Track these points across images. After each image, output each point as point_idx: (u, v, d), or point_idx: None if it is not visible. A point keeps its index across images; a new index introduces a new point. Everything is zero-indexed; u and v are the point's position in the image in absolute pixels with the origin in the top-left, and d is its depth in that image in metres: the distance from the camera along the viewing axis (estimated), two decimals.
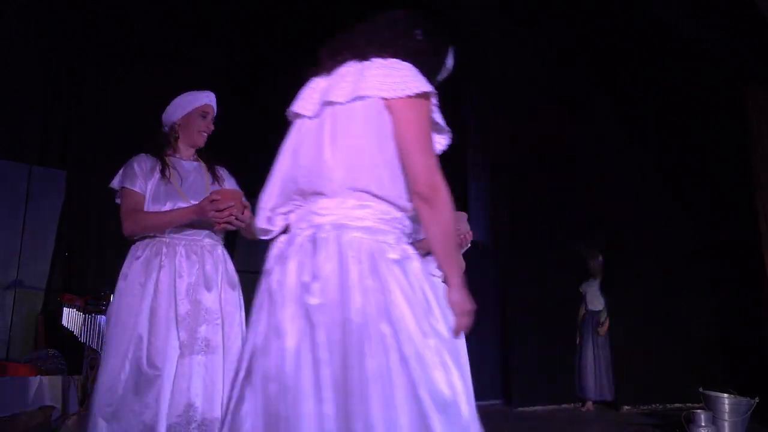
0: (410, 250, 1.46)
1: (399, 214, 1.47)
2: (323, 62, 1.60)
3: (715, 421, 4.09)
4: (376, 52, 1.54)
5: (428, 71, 1.58)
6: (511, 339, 6.37)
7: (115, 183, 2.35)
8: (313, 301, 1.35)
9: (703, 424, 3.99)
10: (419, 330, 1.32)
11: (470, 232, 3.28)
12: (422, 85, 1.47)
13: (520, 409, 6.05)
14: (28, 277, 3.92)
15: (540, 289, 6.36)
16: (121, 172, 2.35)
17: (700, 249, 6.13)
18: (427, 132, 1.48)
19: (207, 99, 2.50)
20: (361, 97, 1.47)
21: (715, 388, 4.50)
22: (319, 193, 1.46)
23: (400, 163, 1.45)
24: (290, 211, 1.52)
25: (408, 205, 1.47)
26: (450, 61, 1.74)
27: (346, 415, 1.26)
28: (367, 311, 1.31)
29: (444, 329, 1.38)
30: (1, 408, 2.80)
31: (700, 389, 4.33)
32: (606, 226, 6.44)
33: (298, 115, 1.58)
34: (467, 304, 1.46)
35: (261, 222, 1.57)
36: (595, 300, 6.34)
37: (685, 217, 6.22)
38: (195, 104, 2.46)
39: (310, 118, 1.54)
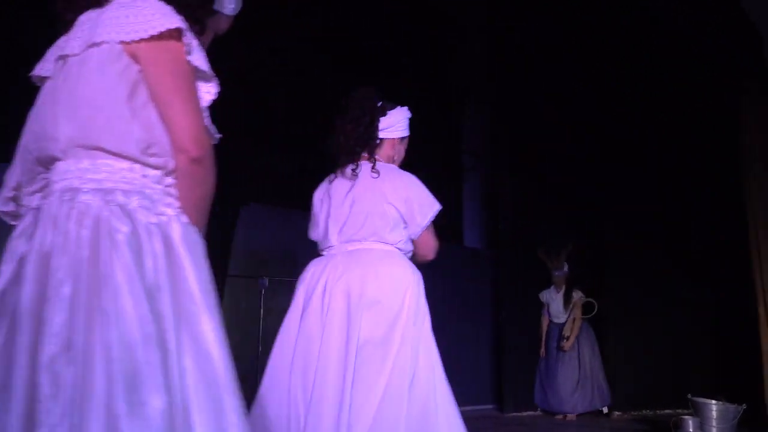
0: (170, 211, 1.26)
1: (153, 173, 1.27)
2: (62, 17, 1.38)
3: (702, 427, 4.15)
4: None
5: (197, 7, 1.40)
6: (504, 346, 6.43)
7: None
8: (26, 285, 1.15)
9: (690, 430, 4.06)
10: (135, 314, 1.11)
11: None
12: (168, 21, 1.26)
13: (513, 414, 6.12)
14: None
15: (534, 297, 6.45)
16: None
17: (692, 257, 6.20)
18: (184, 78, 1.29)
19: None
20: (96, 44, 1.26)
21: (705, 394, 4.57)
22: (53, 158, 1.26)
23: (160, 116, 1.27)
24: (44, 187, 1.29)
25: (162, 161, 1.28)
26: None
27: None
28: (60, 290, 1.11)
29: (170, 309, 1.16)
30: None
31: (689, 396, 4.40)
32: (599, 232, 6.52)
33: (41, 79, 1.37)
34: None
35: (0, 204, 1.38)
36: (559, 313, 6.15)
37: (676, 227, 6.29)
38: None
39: (52, 79, 1.33)
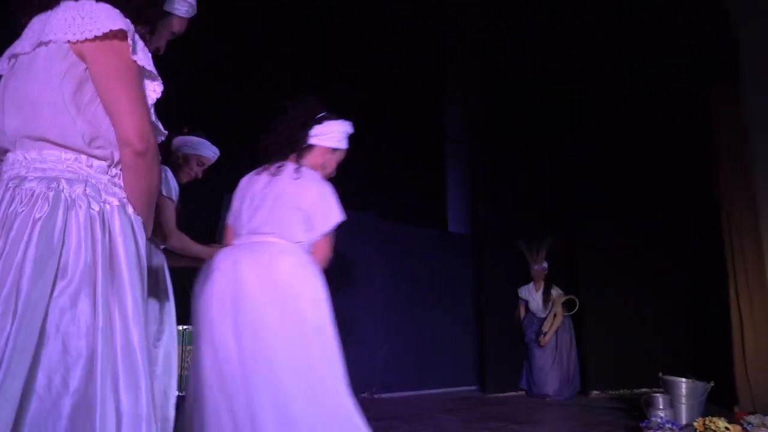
0: (114, 200, 1.35)
1: (99, 163, 1.36)
2: (17, 18, 1.46)
3: (672, 404, 4.29)
4: None
5: (144, 7, 1.47)
6: (485, 329, 6.56)
7: None
8: None
9: (661, 407, 4.19)
10: (38, 291, 1.19)
11: None
12: (112, 23, 1.33)
13: (495, 395, 6.27)
14: None
15: (515, 281, 6.56)
16: None
17: (670, 242, 6.35)
18: (129, 76, 1.36)
19: (212, 154, 2.69)
20: (44, 43, 1.35)
21: (682, 373, 4.71)
22: (4, 149, 1.38)
23: (106, 112, 1.35)
24: None
25: (107, 153, 1.37)
26: None
27: None
28: None
29: (72, 289, 1.23)
30: None
31: (660, 374, 4.54)
32: (580, 217, 6.65)
33: None
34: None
35: None
36: (539, 310, 6.25)
37: (655, 212, 6.43)
38: (201, 151, 2.63)
39: (3, 76, 1.43)
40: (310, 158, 2.41)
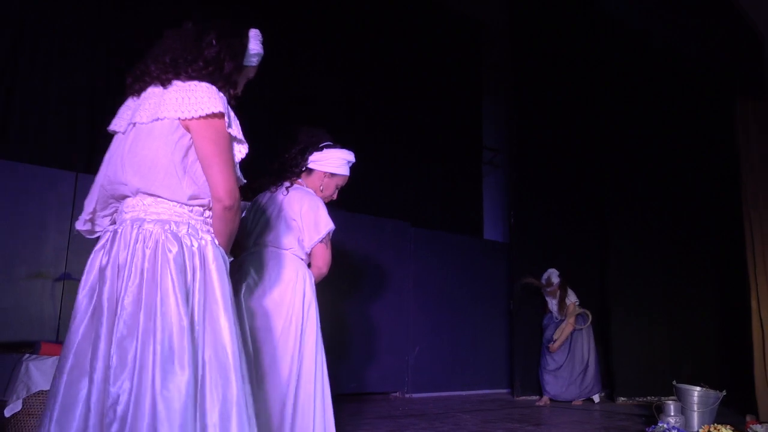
0: (207, 237, 1.73)
1: (197, 209, 1.74)
2: (131, 86, 1.83)
3: (683, 411, 4.42)
4: (174, 74, 1.75)
5: (231, 70, 1.83)
6: (516, 335, 6.77)
7: None
8: (106, 287, 1.63)
9: (672, 413, 4.33)
10: (177, 312, 1.58)
11: None
12: (214, 106, 1.68)
13: (523, 398, 6.48)
14: (75, 270, 4.49)
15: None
16: None
17: (695, 255, 6.43)
18: (223, 147, 1.71)
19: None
20: (160, 119, 1.70)
21: (708, 382, 4.84)
22: (124, 195, 1.75)
23: (204, 173, 1.71)
24: (114, 213, 1.82)
25: (204, 202, 1.74)
26: (255, 46, 1.96)
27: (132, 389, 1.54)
28: (138, 293, 1.59)
29: (200, 308, 1.63)
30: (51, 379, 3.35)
31: (674, 382, 4.67)
32: (613, 227, 6.76)
33: (115, 132, 1.83)
34: None
35: (78, 224, 1.89)
36: (556, 313, 6.32)
37: (685, 221, 6.50)
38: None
39: (122, 134, 1.79)
40: (309, 180, 2.76)
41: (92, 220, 1.87)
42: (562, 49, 7.14)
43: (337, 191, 2.83)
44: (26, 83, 4.86)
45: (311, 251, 2.64)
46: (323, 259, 2.65)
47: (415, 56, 7.43)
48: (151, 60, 1.79)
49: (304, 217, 2.60)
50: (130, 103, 1.82)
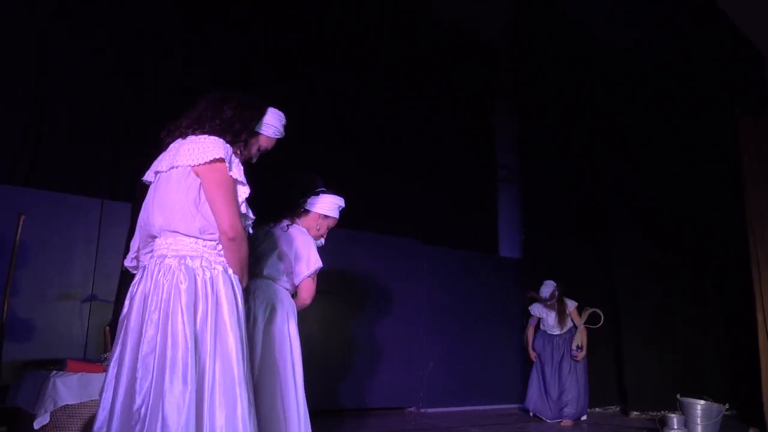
0: (219, 267, 2.05)
1: (209, 243, 2.05)
2: (163, 140, 2.20)
3: (687, 424, 4.50)
4: (193, 129, 2.12)
5: (240, 129, 2.18)
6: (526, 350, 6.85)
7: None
8: (133, 313, 2.00)
9: (675, 427, 4.42)
10: (184, 335, 1.90)
11: None
12: (216, 153, 2.02)
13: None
14: (101, 292, 4.76)
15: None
16: None
17: (704, 271, 6.48)
18: (226, 187, 2.03)
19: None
20: (176, 167, 2.05)
21: (718, 397, 4.91)
22: (153, 236, 2.10)
23: (211, 211, 2.03)
24: (151, 251, 2.13)
25: (215, 236, 2.05)
26: (273, 121, 2.31)
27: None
28: (156, 318, 1.93)
29: (210, 331, 1.95)
30: (77, 396, 3.57)
31: (678, 396, 4.76)
32: (623, 241, 6.86)
33: (149, 182, 2.20)
34: None
35: (127, 261, 2.28)
36: (553, 327, 6.14)
37: (693, 236, 6.57)
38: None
39: (153, 183, 2.16)
40: (305, 220, 3.08)
41: (137, 258, 2.23)
42: (567, 70, 7.28)
43: (327, 232, 3.16)
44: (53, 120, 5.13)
45: (299, 284, 2.94)
46: (308, 291, 2.96)
47: (428, 75, 7.61)
48: (185, 117, 2.18)
49: (297, 254, 2.90)
50: (160, 156, 2.19)
